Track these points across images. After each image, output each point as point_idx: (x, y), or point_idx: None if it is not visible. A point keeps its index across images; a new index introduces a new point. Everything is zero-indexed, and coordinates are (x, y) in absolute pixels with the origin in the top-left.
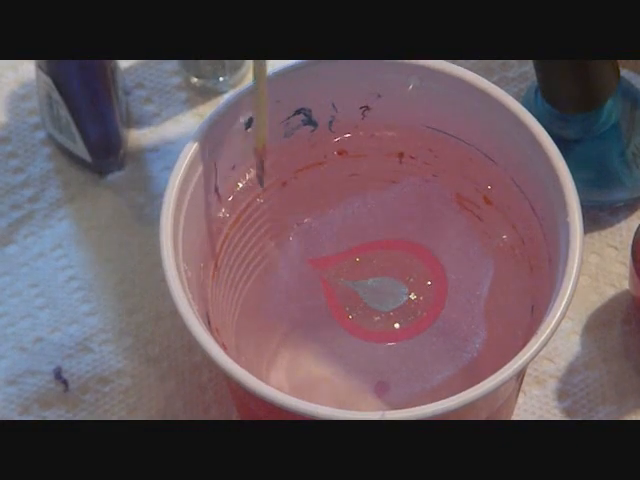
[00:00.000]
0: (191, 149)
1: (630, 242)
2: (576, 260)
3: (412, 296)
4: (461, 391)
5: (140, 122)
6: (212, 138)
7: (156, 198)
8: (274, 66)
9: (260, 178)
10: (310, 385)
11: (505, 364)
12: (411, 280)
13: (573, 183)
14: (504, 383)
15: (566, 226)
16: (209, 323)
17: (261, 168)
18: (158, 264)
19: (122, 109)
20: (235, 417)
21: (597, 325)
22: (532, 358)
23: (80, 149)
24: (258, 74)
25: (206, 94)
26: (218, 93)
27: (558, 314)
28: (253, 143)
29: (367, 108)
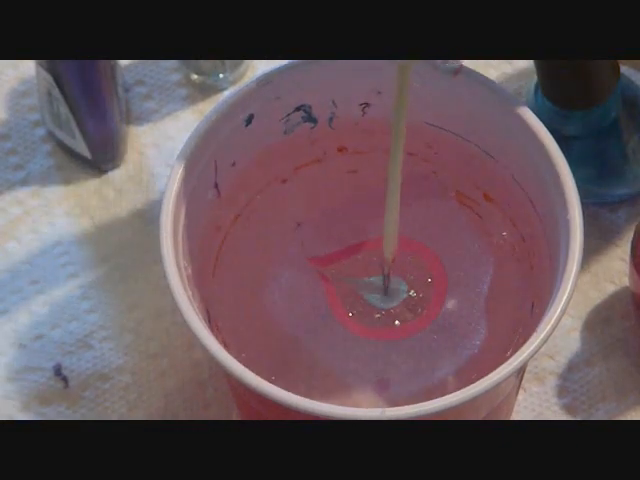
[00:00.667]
0: (191, 146)
1: (630, 239)
2: (576, 257)
3: (412, 293)
4: (461, 388)
5: (140, 119)
6: (212, 135)
7: (156, 195)
8: (274, 63)
9: (386, 288)
10: (310, 383)
11: (505, 361)
12: (411, 277)
13: (573, 180)
14: (504, 380)
15: (566, 223)
16: (209, 320)
17: (387, 278)
18: (158, 261)
19: (122, 106)
20: (235, 415)
21: (597, 322)
22: (532, 355)
23: (80, 146)
24: (392, 183)
25: (206, 91)
26: (218, 90)
27: (558, 311)
28: (383, 254)
29: (367, 105)
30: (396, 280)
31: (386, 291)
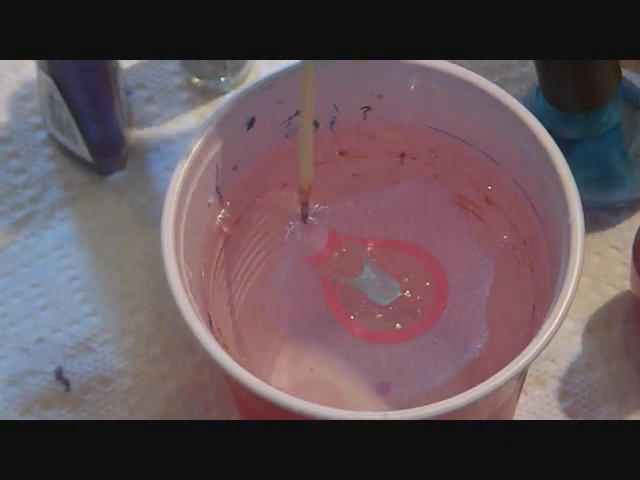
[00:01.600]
0: (192, 149)
1: (631, 242)
2: (577, 260)
3: (407, 294)
4: (463, 391)
5: (141, 122)
6: (213, 138)
7: (157, 198)
8: (275, 66)
9: (304, 217)
10: (311, 385)
11: (507, 364)
12: (406, 280)
13: (574, 183)
14: (506, 383)
15: (567, 226)
16: (210, 323)
17: (306, 207)
18: (159, 264)
19: (123, 109)
20: (236, 417)
21: (598, 326)
22: (534, 359)
23: (81, 149)
24: (305, 115)
25: (207, 94)
26: (219, 93)
27: (559, 315)
28: (298, 182)
29: (368, 108)
30: (387, 278)
31: (304, 219)
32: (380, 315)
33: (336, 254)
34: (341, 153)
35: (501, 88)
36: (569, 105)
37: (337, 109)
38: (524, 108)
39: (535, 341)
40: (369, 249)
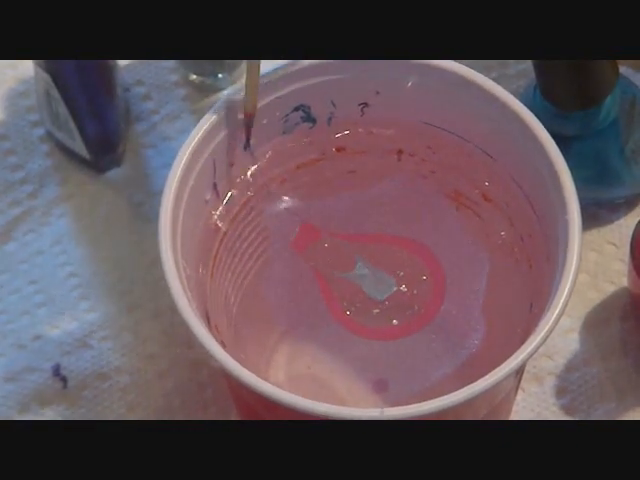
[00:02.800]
0: (190, 146)
1: (629, 239)
2: (575, 257)
3: (403, 288)
4: (460, 388)
5: (139, 119)
6: (211, 135)
7: (155, 195)
8: (273, 63)
9: (247, 140)
10: (309, 382)
11: (504, 361)
12: (401, 274)
13: (572, 180)
14: (503, 380)
15: (565, 223)
16: (208, 320)
17: (249, 130)
18: (157, 261)
19: (121, 106)
20: (234, 415)
21: (596, 322)
22: (531, 355)
23: (79, 146)
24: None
25: (205, 91)
26: (217, 90)
27: (557, 311)
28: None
29: (366, 105)
30: (382, 274)
31: (248, 142)
32: (377, 310)
33: (317, 245)
34: (338, 150)
35: (498, 85)
36: (566, 102)
37: (335, 105)
38: (521, 105)
39: (532, 338)
40: (364, 244)
